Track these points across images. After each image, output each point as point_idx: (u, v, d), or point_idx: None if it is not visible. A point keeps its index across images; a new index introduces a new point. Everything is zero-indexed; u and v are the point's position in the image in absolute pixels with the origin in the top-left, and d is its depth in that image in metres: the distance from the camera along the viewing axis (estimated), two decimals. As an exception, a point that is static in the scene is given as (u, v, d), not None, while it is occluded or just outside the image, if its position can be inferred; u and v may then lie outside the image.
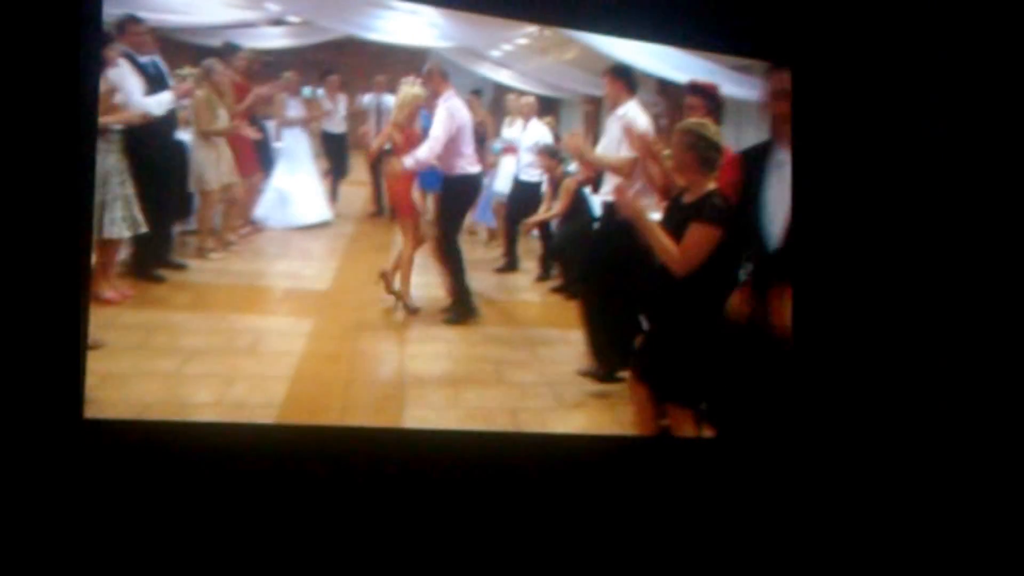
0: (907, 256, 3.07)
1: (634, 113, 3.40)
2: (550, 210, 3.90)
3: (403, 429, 2.91)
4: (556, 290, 3.83)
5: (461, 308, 3.49)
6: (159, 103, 3.22)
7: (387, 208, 3.98)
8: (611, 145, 3.46)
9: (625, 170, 3.27)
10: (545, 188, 3.97)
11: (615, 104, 3.44)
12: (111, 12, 2.98)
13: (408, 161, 3.56)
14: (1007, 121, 2.91)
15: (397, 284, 3.55)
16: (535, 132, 4.03)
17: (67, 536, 2.23)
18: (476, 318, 3.50)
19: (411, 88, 3.69)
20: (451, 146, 3.61)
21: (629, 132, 3.28)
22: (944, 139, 2.99)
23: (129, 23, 3.12)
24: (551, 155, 3.92)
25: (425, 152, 3.57)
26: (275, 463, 2.53)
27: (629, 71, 3.43)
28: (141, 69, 3.17)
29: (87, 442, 2.30)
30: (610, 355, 3.28)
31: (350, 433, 2.76)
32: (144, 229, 3.08)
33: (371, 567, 2.58)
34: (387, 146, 3.75)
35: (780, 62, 3.21)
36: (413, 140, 3.63)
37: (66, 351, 2.28)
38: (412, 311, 3.52)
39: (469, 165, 3.72)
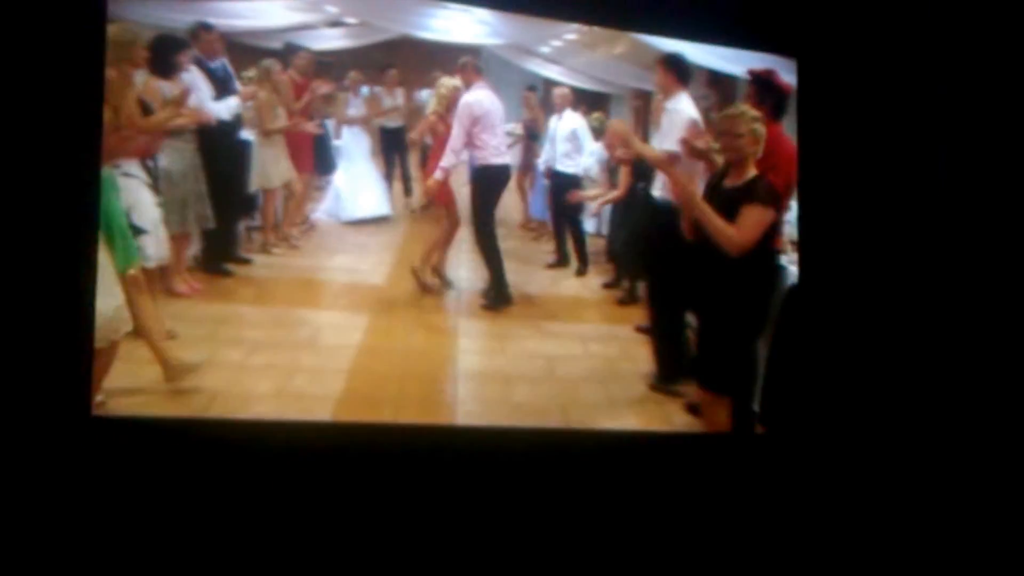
0: (914, 252, 3.09)
1: (684, 105, 3.40)
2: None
3: (452, 427, 2.98)
4: (608, 285, 3.86)
5: (497, 294, 3.58)
6: (228, 108, 3.40)
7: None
8: (662, 138, 3.47)
9: (665, 164, 3.26)
10: (596, 174, 3.99)
11: (666, 95, 3.44)
12: (183, 19, 3.21)
13: (438, 174, 3.68)
14: (1012, 118, 2.92)
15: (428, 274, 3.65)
16: (569, 122, 4.05)
17: (75, 534, 2.25)
18: (510, 304, 3.56)
19: (449, 80, 3.79)
20: (471, 138, 3.71)
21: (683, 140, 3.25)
22: (949, 134, 3.02)
23: (201, 30, 3.30)
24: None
25: (450, 158, 3.69)
26: (282, 459, 2.54)
27: (681, 61, 3.41)
28: (211, 73, 3.35)
29: (95, 439, 2.31)
30: (673, 364, 3.30)
31: (353, 429, 2.78)
32: (212, 225, 3.27)
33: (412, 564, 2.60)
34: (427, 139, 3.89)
35: (786, 53, 3.24)
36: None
37: (73, 349, 2.29)
38: (447, 285, 3.66)
39: (493, 156, 3.77)
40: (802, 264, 3.13)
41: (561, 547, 2.74)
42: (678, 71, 3.40)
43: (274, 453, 2.52)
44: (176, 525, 2.36)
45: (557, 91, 4.09)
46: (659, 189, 3.47)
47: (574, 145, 4.04)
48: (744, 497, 2.95)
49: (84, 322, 2.30)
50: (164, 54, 3.08)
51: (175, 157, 3.16)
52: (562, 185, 4.06)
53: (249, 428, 2.66)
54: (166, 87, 3.06)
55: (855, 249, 3.14)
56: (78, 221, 2.34)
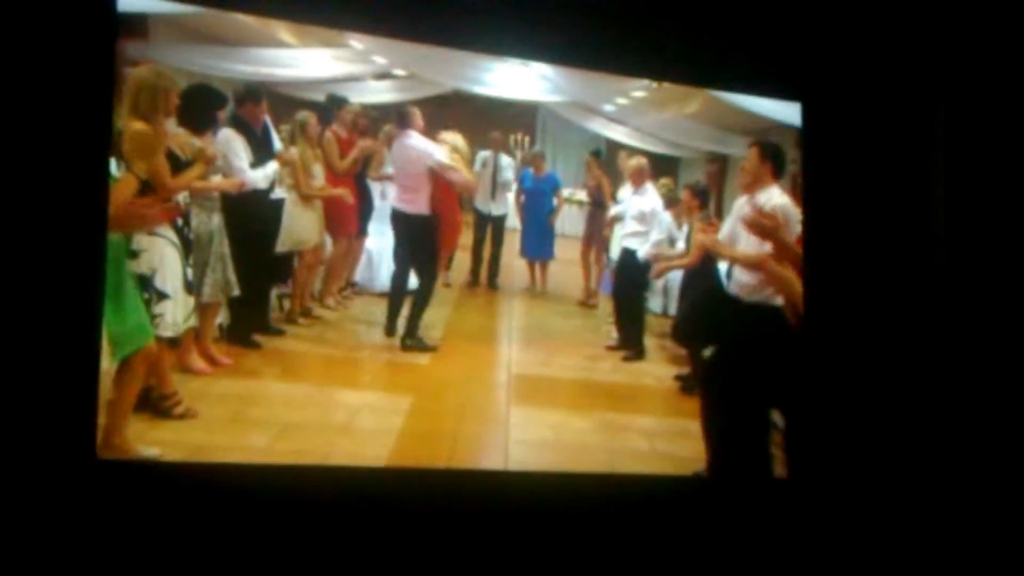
0: (920, 292, 3.01)
1: (776, 200, 2.93)
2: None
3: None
4: (681, 379, 3.41)
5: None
6: (265, 176, 3.10)
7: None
8: (740, 230, 3.00)
9: (764, 267, 2.86)
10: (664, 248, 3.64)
11: (755, 183, 2.97)
12: (221, 66, 2.95)
13: None
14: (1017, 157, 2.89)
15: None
16: (645, 201, 3.69)
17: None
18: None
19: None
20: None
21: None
22: (952, 172, 2.97)
23: (249, 98, 3.05)
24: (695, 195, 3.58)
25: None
26: (296, 505, 2.41)
27: (779, 153, 3.01)
28: (251, 136, 3.06)
29: (101, 483, 2.26)
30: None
31: (364, 474, 2.67)
32: (236, 292, 2.92)
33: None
34: None
35: (792, 97, 3.10)
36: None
37: (81, 391, 2.23)
38: None
39: (398, 202, 3.58)
40: (807, 307, 2.89)
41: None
42: (776, 162, 2.97)
43: (289, 498, 2.42)
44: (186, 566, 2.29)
45: (633, 162, 3.75)
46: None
47: (644, 226, 3.68)
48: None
49: (90, 364, 2.25)
50: (201, 107, 2.76)
51: (201, 217, 2.83)
52: (625, 264, 3.70)
53: (257, 473, 2.53)
54: (195, 142, 2.73)
55: (860, 286, 3.01)
56: (85, 259, 2.26)
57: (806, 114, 3.08)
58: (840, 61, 3.06)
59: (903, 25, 3.04)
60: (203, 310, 2.83)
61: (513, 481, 2.78)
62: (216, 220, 2.87)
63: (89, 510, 2.20)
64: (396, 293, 3.39)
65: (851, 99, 3.06)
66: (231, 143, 2.98)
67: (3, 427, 2.13)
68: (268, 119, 3.14)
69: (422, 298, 3.38)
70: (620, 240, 3.77)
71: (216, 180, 2.86)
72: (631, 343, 3.59)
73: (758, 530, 2.80)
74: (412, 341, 3.31)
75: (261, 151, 3.08)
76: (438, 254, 3.53)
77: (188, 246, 2.69)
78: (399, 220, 3.52)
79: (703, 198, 3.53)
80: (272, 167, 3.11)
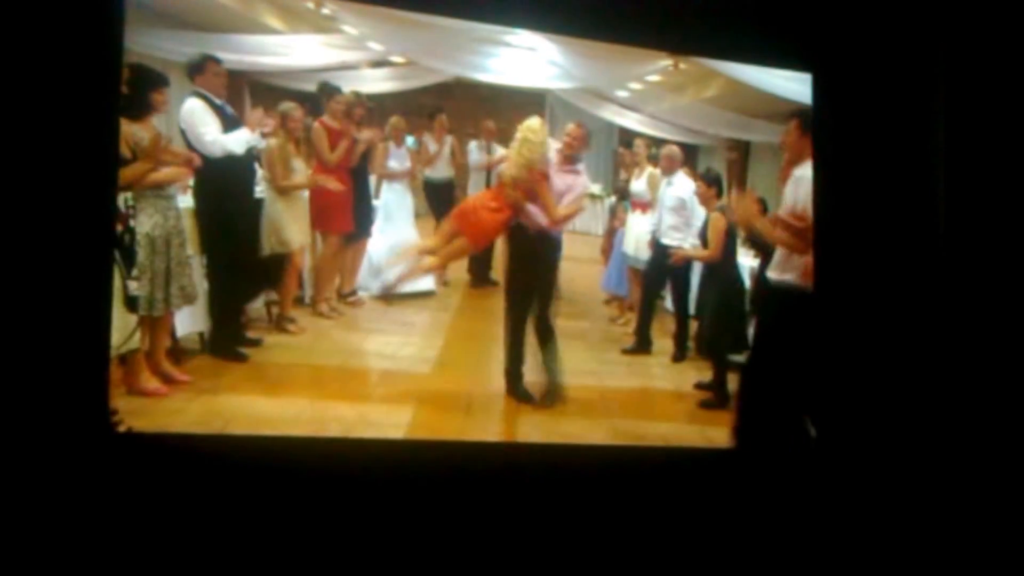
0: (930, 266, 2.91)
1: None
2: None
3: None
4: (703, 387, 3.18)
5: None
6: (238, 141, 2.82)
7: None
8: (788, 211, 2.80)
9: (800, 247, 2.66)
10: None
11: (796, 159, 2.79)
12: (187, 52, 2.66)
13: None
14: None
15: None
16: (681, 188, 3.43)
17: (99, 553, 2.17)
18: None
19: (536, 121, 3.10)
20: None
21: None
22: (962, 145, 2.87)
23: (209, 63, 2.76)
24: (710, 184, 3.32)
25: None
26: (313, 477, 2.37)
27: None
28: (218, 108, 2.79)
29: (119, 456, 2.24)
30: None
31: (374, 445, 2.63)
32: (194, 301, 2.68)
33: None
34: None
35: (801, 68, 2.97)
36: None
37: (92, 365, 2.20)
38: None
39: None
40: (818, 278, 2.77)
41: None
42: None
43: (302, 471, 2.38)
44: (202, 546, 2.26)
45: (665, 150, 3.50)
46: (779, 271, 2.80)
47: (683, 217, 3.41)
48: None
49: (102, 341, 2.24)
50: (135, 91, 2.45)
51: (155, 219, 2.55)
52: (665, 260, 3.42)
53: (273, 444, 2.48)
54: (137, 131, 2.46)
55: (871, 262, 2.92)
56: (97, 232, 2.24)
57: (816, 86, 2.92)
58: (851, 33, 2.95)
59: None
60: (154, 323, 2.56)
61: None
62: (174, 219, 2.60)
63: (104, 485, 2.17)
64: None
65: (862, 70, 2.95)
66: (195, 113, 2.72)
67: (12, 410, 2.10)
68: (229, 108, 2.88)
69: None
70: (644, 234, 3.53)
71: (164, 171, 2.55)
72: (677, 344, 3.41)
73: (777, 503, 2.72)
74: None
75: (228, 126, 2.82)
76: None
77: (130, 256, 2.41)
78: None
79: (718, 187, 3.28)
80: (244, 133, 2.83)
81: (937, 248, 2.89)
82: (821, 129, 2.87)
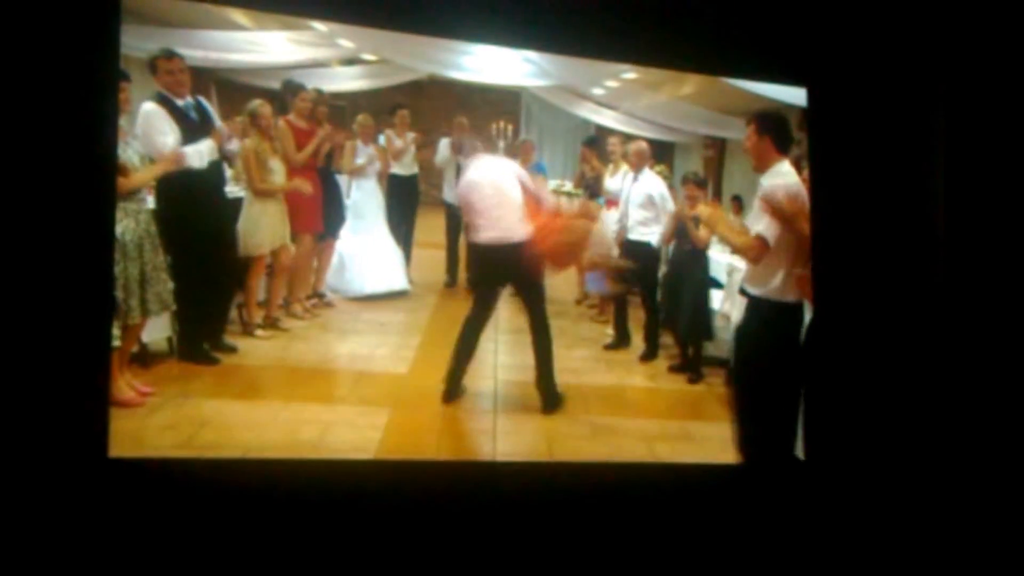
0: (926, 277, 2.89)
1: (786, 178, 2.53)
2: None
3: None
4: (675, 370, 3.18)
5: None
6: (199, 153, 2.68)
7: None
8: (755, 220, 2.62)
9: (752, 254, 2.50)
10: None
11: (760, 165, 2.57)
12: (144, 47, 2.56)
13: None
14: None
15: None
16: (648, 184, 3.41)
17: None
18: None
19: None
20: None
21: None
22: (958, 157, 2.87)
23: (160, 60, 2.58)
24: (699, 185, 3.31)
25: None
26: (300, 499, 2.31)
27: (780, 124, 2.56)
28: (180, 113, 2.64)
29: (112, 480, 2.19)
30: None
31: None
32: (173, 307, 2.58)
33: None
34: None
35: (797, 82, 2.94)
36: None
37: (90, 389, 2.16)
38: None
39: None
40: (817, 295, 2.69)
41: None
42: (777, 137, 2.53)
43: (293, 492, 2.32)
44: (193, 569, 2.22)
45: (634, 145, 3.45)
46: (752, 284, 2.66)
47: (652, 212, 3.39)
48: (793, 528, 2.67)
49: (101, 364, 2.20)
50: None
51: (126, 223, 2.45)
52: (635, 257, 3.39)
53: (264, 467, 2.42)
54: None
55: (869, 273, 2.90)
56: (95, 254, 2.18)
57: (812, 99, 2.87)
58: (845, 46, 2.90)
59: (908, 8, 2.90)
60: (127, 333, 2.47)
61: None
62: (145, 223, 2.50)
63: (98, 508, 2.14)
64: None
65: (857, 84, 2.90)
66: (150, 119, 2.57)
67: (9, 426, 2.07)
68: (204, 100, 2.78)
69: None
70: (627, 231, 3.49)
71: (139, 174, 2.47)
72: (647, 341, 3.39)
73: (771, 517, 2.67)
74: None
75: (197, 130, 2.68)
76: None
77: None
78: None
79: (705, 188, 3.29)
80: (206, 143, 2.71)
81: (936, 259, 2.87)
82: (817, 143, 2.83)
